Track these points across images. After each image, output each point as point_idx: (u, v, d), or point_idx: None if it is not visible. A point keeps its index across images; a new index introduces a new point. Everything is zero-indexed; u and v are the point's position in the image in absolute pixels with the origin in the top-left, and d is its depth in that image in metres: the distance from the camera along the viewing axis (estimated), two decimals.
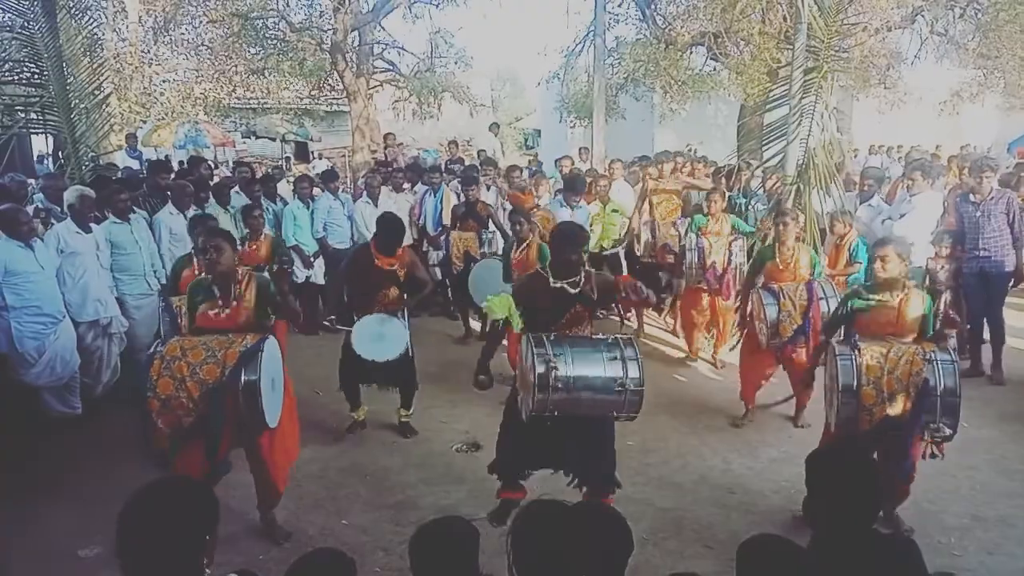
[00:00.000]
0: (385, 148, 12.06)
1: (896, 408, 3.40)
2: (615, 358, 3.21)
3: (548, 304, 3.41)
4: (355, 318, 4.74)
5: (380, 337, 4.63)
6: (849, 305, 3.80)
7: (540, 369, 3.09)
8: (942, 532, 3.78)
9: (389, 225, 4.83)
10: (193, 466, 3.34)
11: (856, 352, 3.50)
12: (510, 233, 6.48)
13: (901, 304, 3.64)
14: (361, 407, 5.01)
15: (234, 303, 3.62)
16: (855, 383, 3.43)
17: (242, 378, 3.24)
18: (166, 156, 10.29)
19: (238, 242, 4.38)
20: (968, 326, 6.13)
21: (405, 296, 4.90)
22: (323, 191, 7.98)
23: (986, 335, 6.08)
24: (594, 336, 3.40)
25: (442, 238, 7.77)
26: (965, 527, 3.83)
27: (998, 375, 5.95)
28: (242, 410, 3.25)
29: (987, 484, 4.28)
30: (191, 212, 6.19)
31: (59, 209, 5.69)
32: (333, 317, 4.76)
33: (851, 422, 3.48)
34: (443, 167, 9.61)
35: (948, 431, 3.33)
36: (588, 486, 3.49)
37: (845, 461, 2.26)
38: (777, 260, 5.08)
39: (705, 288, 6.17)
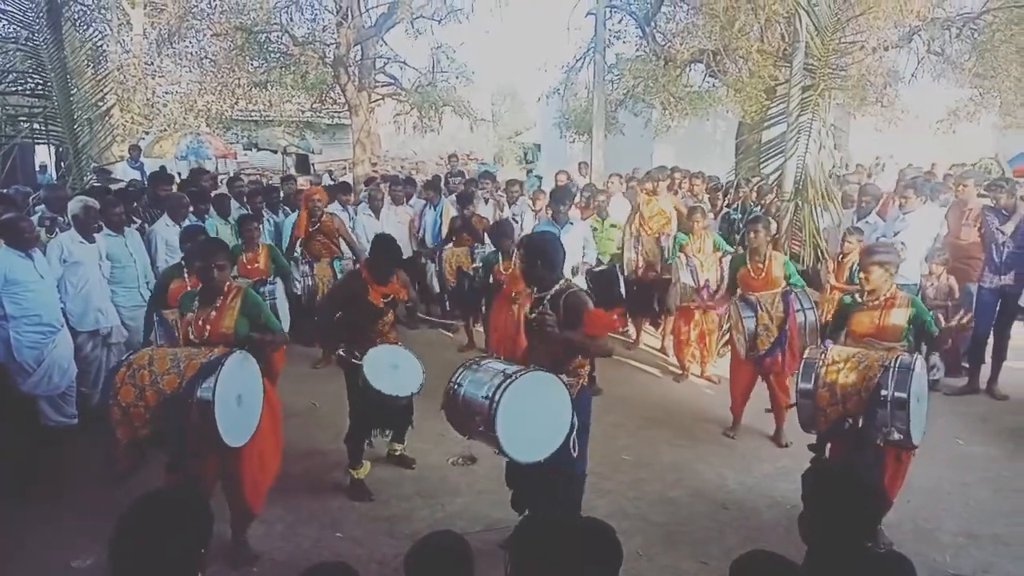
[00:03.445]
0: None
1: (848, 409, 3.55)
2: (486, 396, 3.07)
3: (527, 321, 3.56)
4: (355, 353, 4.21)
5: (395, 369, 4.22)
6: (844, 304, 4.09)
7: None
8: (937, 550, 3.78)
9: (386, 248, 4.36)
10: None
11: (822, 357, 3.70)
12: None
13: (883, 310, 3.86)
14: (364, 464, 4.48)
15: (214, 313, 3.58)
16: (812, 386, 3.65)
17: (197, 391, 3.12)
18: (161, 167, 10.28)
19: (232, 252, 4.39)
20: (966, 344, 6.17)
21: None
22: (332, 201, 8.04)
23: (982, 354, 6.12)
24: (506, 367, 3.26)
25: (442, 250, 7.79)
26: (960, 545, 3.83)
27: (996, 389, 6.00)
28: (196, 425, 3.13)
29: (982, 502, 4.28)
30: (186, 223, 6.21)
31: (62, 219, 5.73)
32: (341, 349, 4.29)
33: (810, 423, 3.70)
34: (443, 180, 9.65)
35: (897, 436, 3.40)
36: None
37: (841, 478, 2.27)
38: (749, 267, 5.20)
39: (699, 305, 6.21)
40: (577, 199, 8.21)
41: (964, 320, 3.78)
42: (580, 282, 5.96)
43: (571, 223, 6.28)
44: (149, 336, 5.28)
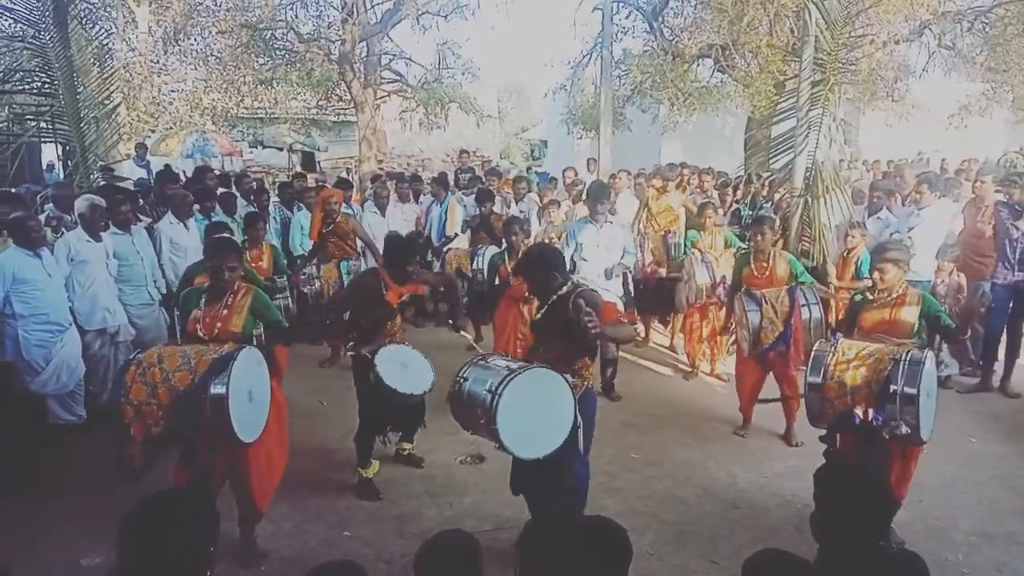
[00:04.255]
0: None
1: (856, 402, 3.53)
2: (489, 389, 3.09)
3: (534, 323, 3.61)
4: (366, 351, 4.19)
5: (405, 367, 4.20)
6: (855, 301, 4.09)
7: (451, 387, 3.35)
8: (950, 549, 3.74)
9: (399, 246, 4.33)
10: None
11: (832, 349, 3.68)
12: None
13: (893, 307, 3.86)
14: (373, 463, 4.45)
15: (224, 311, 3.57)
16: (820, 379, 3.62)
17: (210, 387, 3.10)
18: (165, 165, 10.31)
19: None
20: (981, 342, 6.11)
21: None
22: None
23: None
24: (511, 363, 3.31)
25: (444, 251, 7.79)
26: (973, 544, 3.79)
27: (1009, 387, 5.93)
28: (210, 421, 3.12)
29: (995, 500, 4.24)
30: (191, 221, 6.22)
31: (69, 218, 5.73)
32: (352, 342, 4.29)
33: (819, 417, 3.67)
34: (453, 177, 9.65)
35: (905, 430, 3.36)
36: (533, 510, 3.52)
37: (853, 476, 2.25)
38: (752, 267, 5.17)
39: (716, 302, 6.13)
40: (584, 196, 8.15)
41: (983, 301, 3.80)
42: (616, 285, 5.88)
43: (610, 221, 6.10)
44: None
